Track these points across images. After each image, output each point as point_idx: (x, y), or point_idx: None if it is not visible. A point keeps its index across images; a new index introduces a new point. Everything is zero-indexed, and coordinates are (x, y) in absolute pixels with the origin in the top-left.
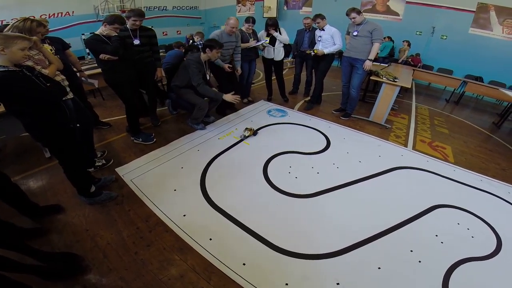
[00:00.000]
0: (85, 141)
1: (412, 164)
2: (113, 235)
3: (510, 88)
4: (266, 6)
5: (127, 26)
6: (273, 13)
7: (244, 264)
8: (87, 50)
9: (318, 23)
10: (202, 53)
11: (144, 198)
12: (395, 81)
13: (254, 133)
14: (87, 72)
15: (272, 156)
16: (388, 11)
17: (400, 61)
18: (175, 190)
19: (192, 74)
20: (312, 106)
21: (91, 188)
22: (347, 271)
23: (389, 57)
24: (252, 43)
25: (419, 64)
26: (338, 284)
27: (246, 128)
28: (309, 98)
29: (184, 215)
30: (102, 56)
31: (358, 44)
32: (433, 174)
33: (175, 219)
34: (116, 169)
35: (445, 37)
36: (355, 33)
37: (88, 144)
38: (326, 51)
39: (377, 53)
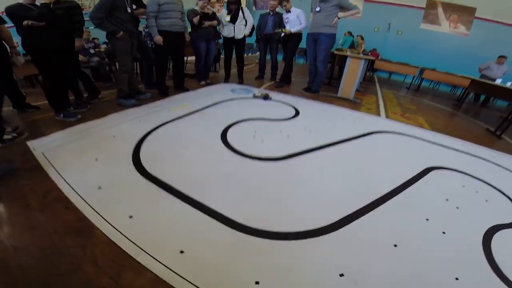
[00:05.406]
0: None
1: (390, 129)
2: None
3: None
4: None
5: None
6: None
7: (182, 252)
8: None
9: (284, 6)
10: None
11: (51, 170)
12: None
13: (266, 97)
14: None
15: (232, 123)
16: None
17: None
18: (96, 159)
19: (96, 5)
20: (282, 85)
21: None
22: (350, 253)
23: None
24: (213, 23)
25: (378, 57)
26: (342, 275)
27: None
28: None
29: (100, 187)
30: (25, 22)
31: (320, 19)
32: (415, 138)
33: (84, 192)
34: (28, 142)
35: (400, 33)
36: (317, 9)
37: None
38: (293, 30)
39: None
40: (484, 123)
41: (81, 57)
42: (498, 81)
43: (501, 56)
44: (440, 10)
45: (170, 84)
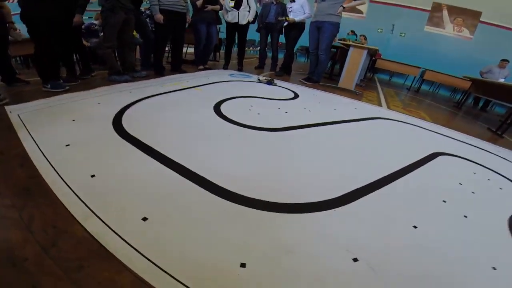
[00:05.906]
0: None
1: (392, 118)
2: None
3: None
4: None
5: None
6: None
7: (144, 219)
8: None
9: None
10: None
11: (22, 130)
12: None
13: (269, 82)
14: None
15: (228, 98)
16: (353, 9)
17: None
18: (73, 120)
19: None
20: (282, 74)
21: None
22: (363, 233)
23: None
24: (216, 7)
25: (379, 58)
26: (356, 260)
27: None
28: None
29: (68, 145)
30: None
31: (324, 8)
32: (418, 127)
33: (47, 148)
34: (6, 107)
35: (403, 35)
36: None
37: None
38: (297, 19)
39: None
40: (485, 124)
41: (84, 42)
42: None
43: (503, 60)
44: (445, 13)
45: (168, 67)
